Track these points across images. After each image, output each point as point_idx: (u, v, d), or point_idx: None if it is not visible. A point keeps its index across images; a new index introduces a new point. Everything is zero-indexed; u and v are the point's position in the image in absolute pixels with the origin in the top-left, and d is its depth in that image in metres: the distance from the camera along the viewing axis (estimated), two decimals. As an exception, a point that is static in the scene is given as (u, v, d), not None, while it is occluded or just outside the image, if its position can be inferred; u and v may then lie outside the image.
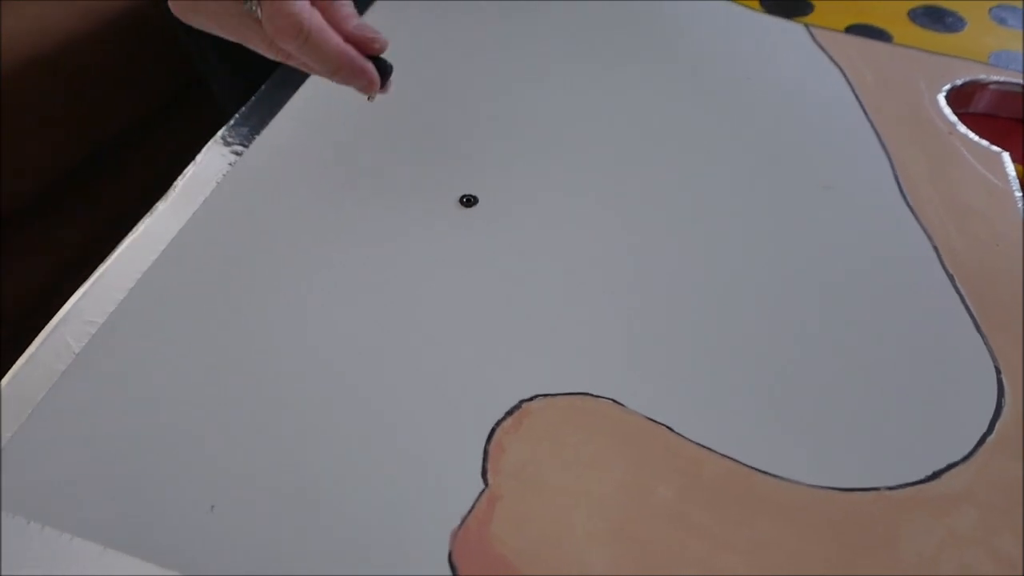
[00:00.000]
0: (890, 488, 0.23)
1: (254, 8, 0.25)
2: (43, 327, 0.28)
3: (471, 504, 0.22)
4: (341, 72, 0.27)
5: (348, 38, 0.27)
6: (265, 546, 0.21)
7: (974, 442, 0.24)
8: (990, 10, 0.43)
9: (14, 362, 0.27)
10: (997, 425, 0.24)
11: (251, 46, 0.28)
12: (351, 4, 0.28)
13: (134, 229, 0.30)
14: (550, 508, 0.22)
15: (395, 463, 0.23)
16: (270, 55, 0.28)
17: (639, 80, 0.37)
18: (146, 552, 0.21)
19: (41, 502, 0.22)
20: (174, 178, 0.33)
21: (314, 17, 0.26)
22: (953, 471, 0.23)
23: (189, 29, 0.31)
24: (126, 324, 0.27)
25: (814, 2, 0.43)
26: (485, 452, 0.24)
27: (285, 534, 0.22)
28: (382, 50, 0.28)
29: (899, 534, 0.22)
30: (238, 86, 0.31)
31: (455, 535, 0.22)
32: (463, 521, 0.22)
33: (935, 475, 0.23)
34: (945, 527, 0.22)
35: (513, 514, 0.22)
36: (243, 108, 0.35)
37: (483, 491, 0.23)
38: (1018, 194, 0.32)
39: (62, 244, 0.74)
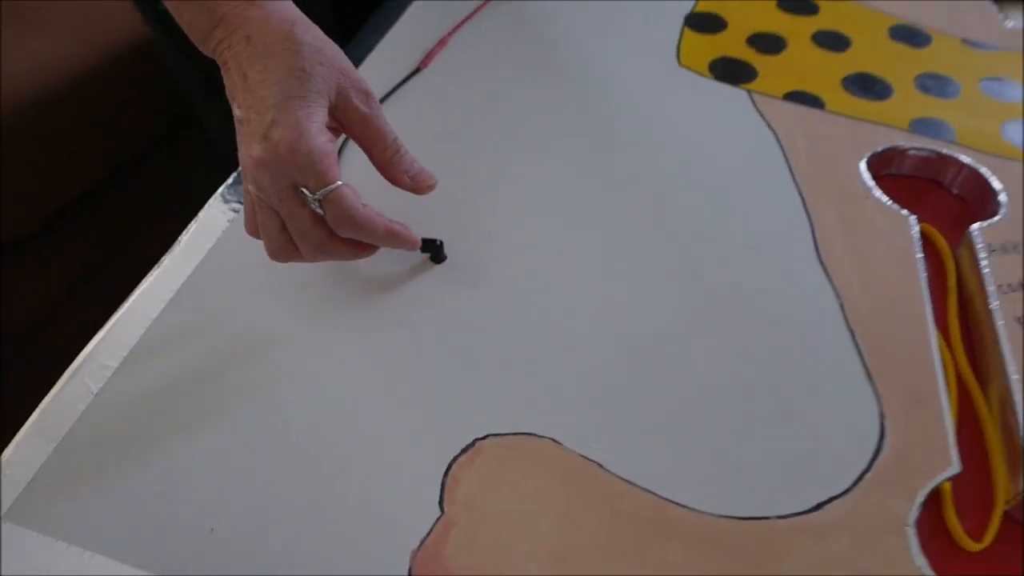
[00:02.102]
0: (780, 517, 0.28)
1: (317, 207, 0.30)
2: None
3: (429, 528, 0.27)
4: (388, 243, 0.32)
5: (407, 183, 0.33)
6: (252, 560, 0.26)
7: (854, 478, 0.29)
8: (915, 78, 0.48)
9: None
10: (875, 464, 0.29)
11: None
12: (407, 155, 0.33)
13: (144, 280, 0.35)
14: (497, 534, 0.27)
15: (365, 492, 0.28)
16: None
17: (590, 143, 0.42)
18: (153, 565, 0.26)
19: (69, 525, 0.27)
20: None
21: (366, 210, 0.30)
22: (833, 503, 0.28)
23: (179, 63, 0.36)
24: (138, 367, 0.32)
25: (758, 68, 0.48)
26: (442, 484, 0.28)
27: (275, 547, 0.26)
28: (432, 188, 0.33)
29: (783, 557, 0.26)
30: (228, 119, 0.34)
31: (415, 554, 0.26)
32: (422, 542, 0.27)
33: (818, 506, 0.28)
34: (821, 551, 0.27)
35: (465, 538, 0.27)
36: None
37: (439, 517, 0.27)
38: (919, 255, 0.37)
39: (63, 269, 0.78)
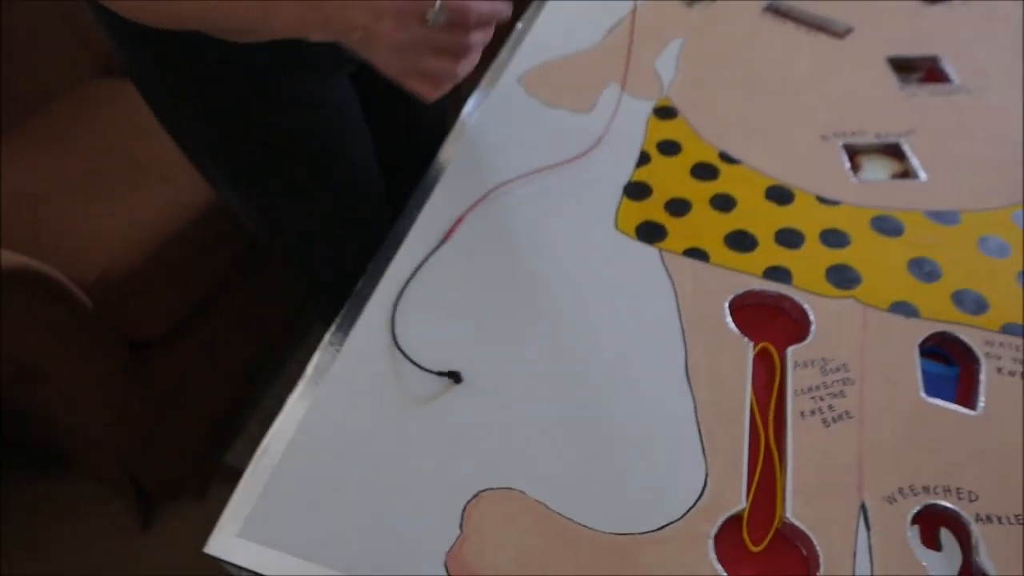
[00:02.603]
0: (640, 533, 0.51)
1: (437, 19, 0.47)
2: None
3: (454, 540, 0.51)
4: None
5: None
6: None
7: (685, 509, 0.52)
8: (775, 233, 0.70)
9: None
10: (698, 502, 0.52)
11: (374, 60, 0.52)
12: None
13: (278, 418, 0.59)
14: (493, 545, 0.51)
15: (420, 519, 0.52)
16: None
17: (551, 296, 0.66)
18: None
19: (296, 539, 0.52)
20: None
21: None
22: (671, 525, 0.51)
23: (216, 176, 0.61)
24: (281, 486, 0.56)
25: (668, 229, 0.71)
26: (462, 515, 0.52)
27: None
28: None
29: (640, 559, 0.50)
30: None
31: (448, 554, 0.51)
32: (451, 547, 0.51)
33: (662, 527, 0.51)
34: (661, 554, 0.50)
35: (476, 547, 0.51)
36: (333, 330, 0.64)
37: (459, 535, 0.51)
38: (749, 370, 0.60)
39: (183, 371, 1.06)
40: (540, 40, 0.97)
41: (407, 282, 0.67)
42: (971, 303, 0.64)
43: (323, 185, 0.87)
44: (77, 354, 0.88)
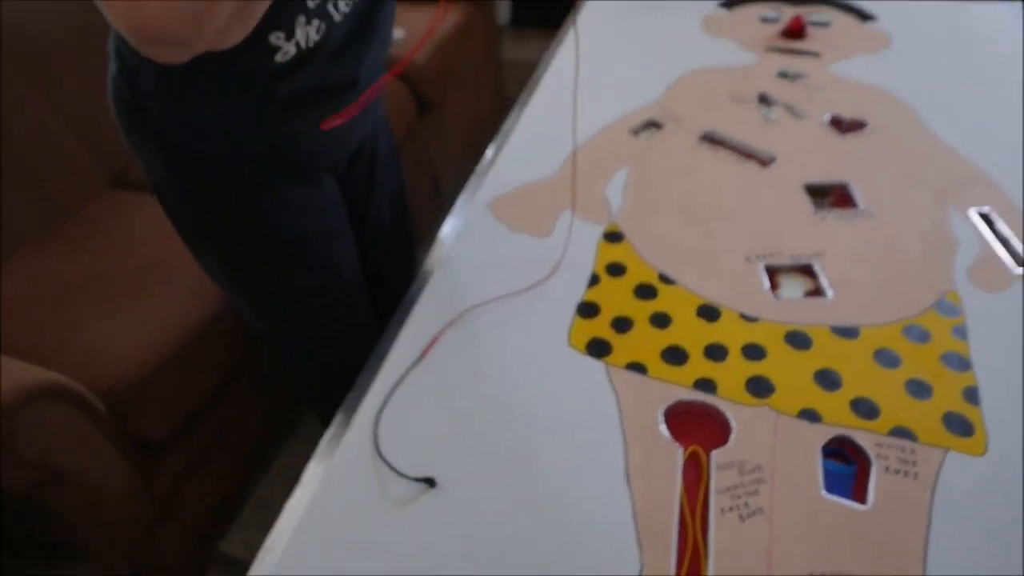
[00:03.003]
0: (584, 619, 0.61)
1: None
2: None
3: None
4: None
5: None
6: None
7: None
8: (704, 348, 0.83)
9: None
10: (633, 591, 0.63)
11: None
12: None
13: (276, 524, 0.69)
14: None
15: None
16: None
17: (513, 414, 0.77)
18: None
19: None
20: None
21: None
22: (610, 611, 0.61)
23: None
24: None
25: (614, 345, 0.83)
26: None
27: None
28: None
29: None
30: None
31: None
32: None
33: (602, 613, 0.61)
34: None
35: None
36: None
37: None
38: (679, 471, 0.71)
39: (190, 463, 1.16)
40: (506, 168, 1.11)
41: (388, 396, 0.78)
42: (866, 409, 0.76)
43: (312, 281, 1.00)
44: (94, 457, 0.97)
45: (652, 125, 1.19)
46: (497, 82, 2.46)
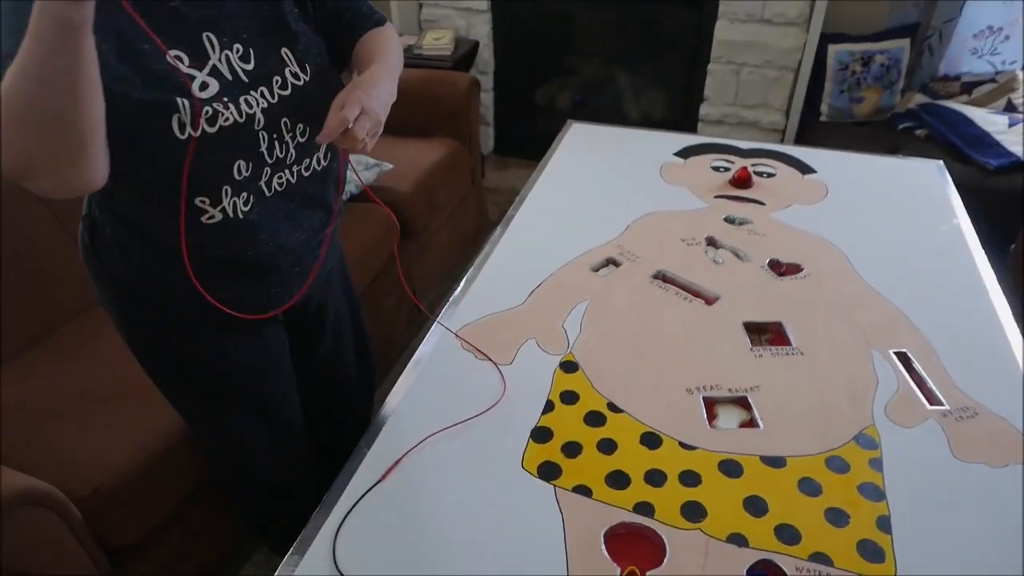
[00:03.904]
0: None
1: None
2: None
3: None
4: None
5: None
6: None
7: None
8: (644, 473, 0.90)
9: None
10: None
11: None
12: None
13: None
14: None
15: None
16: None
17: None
18: None
19: None
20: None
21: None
22: None
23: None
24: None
25: (563, 468, 0.90)
26: None
27: None
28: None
29: None
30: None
31: None
32: None
33: None
34: None
35: None
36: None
37: None
38: (616, 591, 0.77)
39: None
40: (476, 299, 1.22)
41: (347, 514, 0.85)
42: (788, 535, 0.83)
43: (247, 422, 1.07)
44: (69, 563, 1.00)
45: (611, 262, 1.32)
46: (480, 206, 2.63)
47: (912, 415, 0.99)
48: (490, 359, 1.08)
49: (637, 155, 1.71)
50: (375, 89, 0.83)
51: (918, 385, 1.03)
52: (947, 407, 0.99)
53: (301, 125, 0.88)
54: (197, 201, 0.82)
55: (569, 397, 1.02)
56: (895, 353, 1.09)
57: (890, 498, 0.87)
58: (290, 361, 1.11)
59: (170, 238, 0.84)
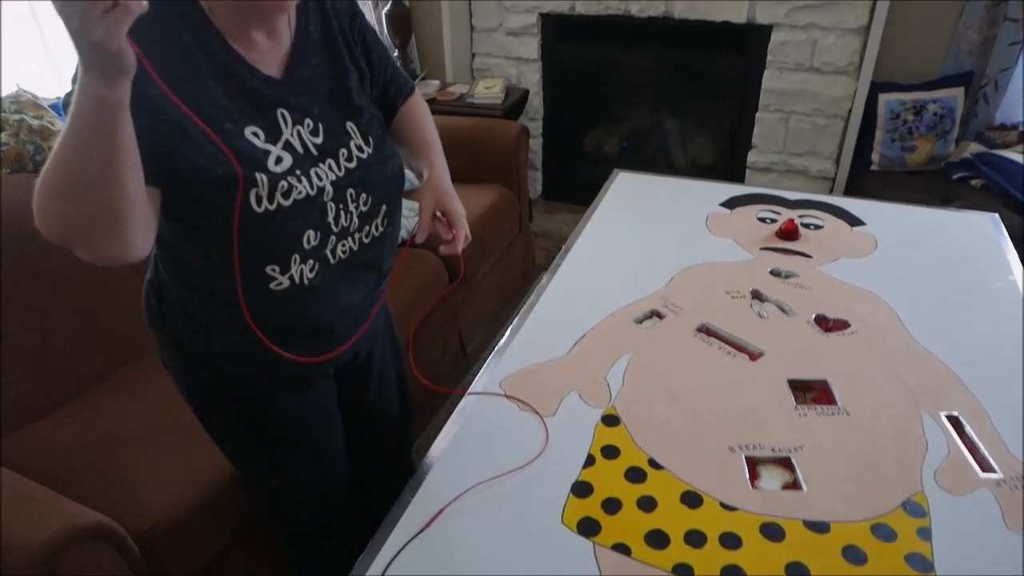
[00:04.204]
0: None
1: None
2: None
3: None
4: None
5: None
6: None
7: None
8: (684, 534, 0.90)
9: None
10: None
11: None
12: None
13: None
14: None
15: None
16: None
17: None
18: None
19: None
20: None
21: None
22: None
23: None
24: None
25: (603, 525, 0.91)
26: None
27: None
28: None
29: None
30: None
31: None
32: None
33: None
34: None
35: None
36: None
37: None
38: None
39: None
40: (521, 348, 1.24)
41: (390, 562, 0.87)
42: (831, 604, 0.81)
43: (303, 462, 1.11)
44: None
45: (655, 315, 1.33)
46: (527, 251, 2.67)
47: (963, 482, 0.96)
48: (534, 409, 1.10)
49: (683, 205, 1.73)
50: (455, 198, 1.06)
51: (970, 450, 1.01)
52: (1000, 475, 0.97)
53: (364, 195, 0.93)
54: (268, 269, 0.87)
55: (610, 452, 1.03)
56: (946, 416, 1.07)
57: (938, 570, 0.85)
58: (337, 406, 1.15)
59: (238, 304, 0.88)
